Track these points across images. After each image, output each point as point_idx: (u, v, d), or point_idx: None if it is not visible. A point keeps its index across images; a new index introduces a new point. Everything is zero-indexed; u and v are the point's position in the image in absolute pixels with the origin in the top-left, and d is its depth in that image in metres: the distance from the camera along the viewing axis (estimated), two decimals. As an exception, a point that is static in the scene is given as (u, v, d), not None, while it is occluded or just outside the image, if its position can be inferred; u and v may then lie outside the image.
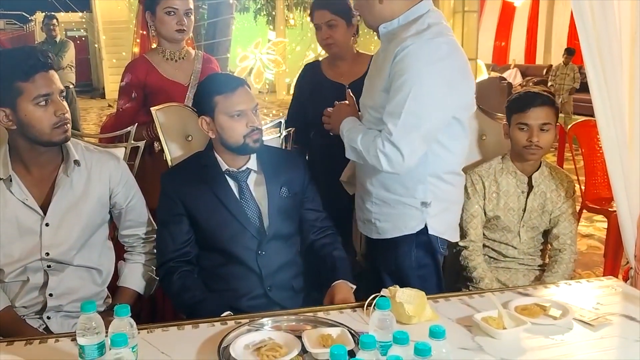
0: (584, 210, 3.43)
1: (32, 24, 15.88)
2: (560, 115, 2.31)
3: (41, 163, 1.67)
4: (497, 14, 15.02)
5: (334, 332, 1.38)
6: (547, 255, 2.19)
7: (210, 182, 1.79)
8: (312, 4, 2.45)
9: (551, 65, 12.28)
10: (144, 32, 2.89)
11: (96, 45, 15.29)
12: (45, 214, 1.66)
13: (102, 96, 14.65)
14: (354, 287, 1.77)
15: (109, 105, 12.01)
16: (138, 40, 3.10)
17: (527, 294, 1.67)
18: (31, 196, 1.66)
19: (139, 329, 1.27)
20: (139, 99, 2.43)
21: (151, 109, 2.03)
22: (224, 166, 1.80)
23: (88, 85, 16.18)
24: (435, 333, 1.09)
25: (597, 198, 3.38)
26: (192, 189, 1.78)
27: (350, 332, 1.38)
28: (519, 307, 1.54)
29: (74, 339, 1.29)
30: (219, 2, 6.24)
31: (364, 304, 1.50)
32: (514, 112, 2.05)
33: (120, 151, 1.96)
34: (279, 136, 2.15)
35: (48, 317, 1.70)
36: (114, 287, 1.86)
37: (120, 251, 1.91)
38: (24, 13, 16.27)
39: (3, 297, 1.67)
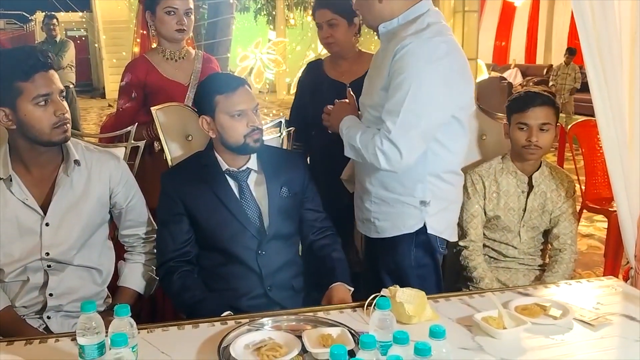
0: (584, 210, 3.43)
1: (32, 23, 15.88)
2: (561, 115, 2.31)
3: (41, 163, 1.67)
4: (497, 13, 15.02)
5: (334, 332, 1.38)
6: (547, 255, 2.19)
7: (211, 181, 1.79)
8: (314, 3, 2.45)
9: (551, 65, 12.29)
10: (144, 32, 2.89)
11: (96, 45, 15.30)
12: (45, 213, 1.66)
13: (102, 96, 14.66)
14: (352, 289, 1.77)
15: (109, 105, 12.01)
16: (138, 40, 3.10)
17: (527, 293, 1.67)
18: (31, 196, 1.66)
19: (139, 329, 1.27)
20: (139, 99, 2.43)
21: (151, 108, 2.03)
22: (224, 166, 1.80)
23: (88, 85, 16.18)
24: (436, 333, 1.09)
25: (597, 198, 3.38)
26: (192, 189, 1.78)
27: (350, 332, 1.38)
28: (519, 307, 1.54)
29: (74, 339, 1.29)
30: (219, 1, 6.24)
31: (364, 304, 1.50)
32: (514, 112, 2.05)
33: (120, 151, 1.96)
34: (279, 136, 2.15)
35: (48, 317, 1.70)
36: (114, 287, 1.86)
37: (120, 251, 1.91)
38: (24, 13, 16.26)
39: (3, 297, 1.67)
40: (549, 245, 2.16)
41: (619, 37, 1.78)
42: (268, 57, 10.99)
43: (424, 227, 1.79)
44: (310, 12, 12.14)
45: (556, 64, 10.88)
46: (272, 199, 1.80)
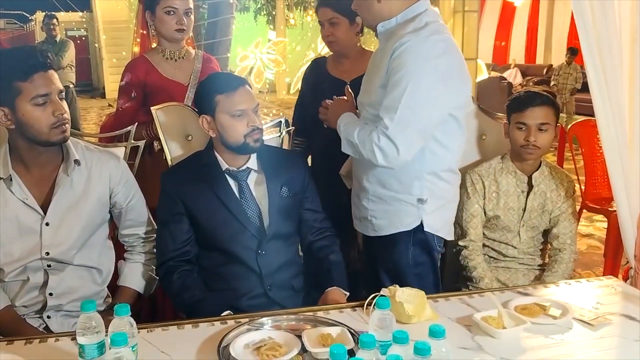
0: (584, 210, 3.43)
1: (33, 23, 15.88)
2: (561, 115, 2.32)
3: (41, 162, 1.67)
4: (497, 13, 15.03)
5: (333, 331, 1.38)
6: (547, 255, 2.19)
7: (211, 181, 1.79)
8: (317, 1, 2.45)
9: (551, 65, 12.30)
10: (144, 32, 2.88)
11: (96, 45, 15.30)
12: (45, 213, 1.66)
13: (102, 96, 14.65)
14: (348, 294, 1.78)
15: (109, 105, 12.00)
16: (138, 40, 3.10)
17: (527, 293, 1.67)
18: (31, 195, 1.66)
19: (138, 329, 1.27)
20: (139, 99, 2.43)
21: (151, 108, 2.03)
22: (224, 165, 1.80)
23: (88, 84, 16.18)
24: (435, 332, 1.09)
25: (597, 198, 3.38)
26: (192, 188, 1.78)
27: (350, 332, 1.38)
28: (518, 306, 1.54)
29: (74, 338, 1.29)
30: (219, 1, 6.24)
31: (364, 304, 1.50)
32: (513, 112, 2.05)
33: (120, 150, 1.96)
34: (279, 136, 2.15)
35: (48, 317, 1.70)
36: (114, 287, 1.86)
37: (120, 251, 1.91)
38: (24, 13, 16.26)
39: (3, 297, 1.67)
40: (549, 245, 2.16)
41: (619, 37, 1.78)
42: (268, 57, 10.99)
43: (421, 225, 1.80)
44: (310, 12, 12.18)
45: (556, 64, 10.88)
46: (272, 198, 1.80)
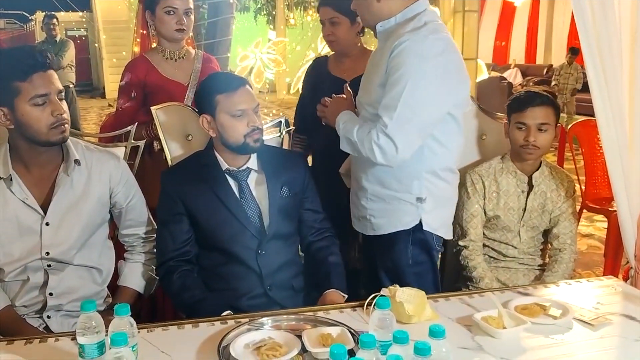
0: (584, 210, 3.43)
1: (32, 23, 15.89)
2: (562, 115, 2.32)
3: (41, 162, 1.67)
4: (497, 13, 15.03)
5: (333, 331, 1.38)
6: (547, 255, 2.19)
7: (211, 181, 1.79)
8: (319, 0, 2.46)
9: (551, 65, 12.29)
10: (144, 32, 2.89)
11: (96, 45, 15.30)
12: (45, 213, 1.66)
13: (102, 96, 14.66)
14: (346, 296, 1.77)
15: (109, 105, 12.01)
16: (138, 40, 3.10)
17: (527, 293, 1.67)
18: (31, 195, 1.66)
19: (138, 328, 1.27)
20: (139, 99, 2.43)
21: (151, 108, 2.03)
22: (224, 165, 1.80)
23: (88, 84, 16.18)
24: (435, 332, 1.09)
25: (597, 198, 3.38)
26: (192, 188, 1.78)
27: (350, 332, 1.38)
28: (519, 306, 1.54)
29: (74, 338, 1.29)
30: (219, 1, 6.24)
31: (364, 304, 1.50)
32: (513, 112, 2.05)
33: (120, 150, 1.96)
34: (279, 136, 2.15)
35: (48, 317, 1.70)
36: (114, 287, 1.86)
37: (120, 251, 1.91)
38: (24, 12, 16.27)
39: (3, 297, 1.67)
40: (549, 245, 2.16)
41: (619, 37, 1.78)
42: (268, 57, 11.00)
43: (420, 224, 1.80)
44: (310, 12, 12.18)
45: (556, 64, 10.88)
46: (272, 198, 1.80)
